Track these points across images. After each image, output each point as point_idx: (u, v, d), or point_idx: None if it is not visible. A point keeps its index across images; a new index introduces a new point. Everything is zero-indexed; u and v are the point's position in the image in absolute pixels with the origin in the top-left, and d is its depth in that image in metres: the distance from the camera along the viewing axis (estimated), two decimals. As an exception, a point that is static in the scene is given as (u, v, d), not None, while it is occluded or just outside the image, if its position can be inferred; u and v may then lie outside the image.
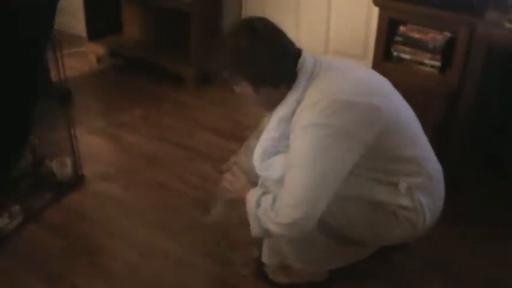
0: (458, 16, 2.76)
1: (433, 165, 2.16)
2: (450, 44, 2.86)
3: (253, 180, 2.24)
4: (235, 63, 2.03)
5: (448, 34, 2.88)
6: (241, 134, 3.25)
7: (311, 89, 2.00)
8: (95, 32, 4.56)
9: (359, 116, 1.94)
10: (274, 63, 2.00)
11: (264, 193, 2.09)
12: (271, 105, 2.11)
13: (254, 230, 2.15)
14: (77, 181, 3.05)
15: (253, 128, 2.48)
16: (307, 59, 2.04)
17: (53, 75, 3.19)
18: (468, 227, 2.78)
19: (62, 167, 3.04)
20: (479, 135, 2.96)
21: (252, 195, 2.12)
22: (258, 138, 2.22)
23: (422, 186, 2.08)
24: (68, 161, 3.05)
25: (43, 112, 2.84)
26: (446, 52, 2.88)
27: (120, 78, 4.41)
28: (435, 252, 2.63)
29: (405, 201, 2.05)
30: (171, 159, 3.34)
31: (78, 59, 4.55)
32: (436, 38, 2.88)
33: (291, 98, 2.02)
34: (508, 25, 2.71)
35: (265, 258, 2.41)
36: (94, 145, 3.45)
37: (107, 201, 2.95)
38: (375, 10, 3.11)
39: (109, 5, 4.61)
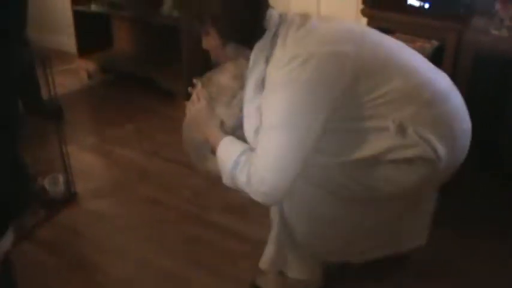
0: (446, 24, 2.78)
1: (433, 89, 2.00)
2: (438, 52, 2.88)
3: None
4: (206, 7, 1.98)
5: (435, 42, 2.90)
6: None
7: (277, 48, 1.95)
8: (85, 49, 4.57)
9: (325, 66, 1.87)
10: (246, 19, 1.97)
11: (244, 153, 1.99)
12: None
13: (226, 181, 2.05)
14: (70, 198, 3.05)
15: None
16: (272, 16, 2.00)
17: (44, 93, 3.18)
18: (467, 227, 2.78)
19: (54, 184, 3.03)
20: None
21: (228, 149, 2.05)
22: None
23: (417, 116, 1.94)
24: (61, 178, 3.05)
25: (34, 129, 2.85)
26: (435, 60, 2.89)
27: (111, 94, 4.42)
28: (434, 252, 2.61)
29: (403, 141, 1.92)
30: (163, 174, 3.33)
31: (69, 75, 4.56)
32: (424, 46, 2.90)
33: (259, 60, 1.98)
34: (494, 32, 2.73)
35: (265, 265, 2.40)
36: (86, 161, 3.45)
37: (100, 217, 2.95)
38: (363, 21, 3.13)
39: (98, 21, 4.62)
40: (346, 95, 1.89)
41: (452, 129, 1.99)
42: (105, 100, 4.34)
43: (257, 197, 1.94)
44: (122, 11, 4.40)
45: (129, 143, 3.67)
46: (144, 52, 4.61)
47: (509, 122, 3.00)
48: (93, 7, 4.39)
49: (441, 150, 1.93)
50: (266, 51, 1.97)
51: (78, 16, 4.46)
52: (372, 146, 1.93)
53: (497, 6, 2.81)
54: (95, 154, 3.57)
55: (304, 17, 2.00)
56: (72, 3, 4.41)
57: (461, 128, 2.03)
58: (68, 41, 4.77)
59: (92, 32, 4.60)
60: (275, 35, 1.97)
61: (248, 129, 2.04)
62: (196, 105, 2.23)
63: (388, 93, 1.92)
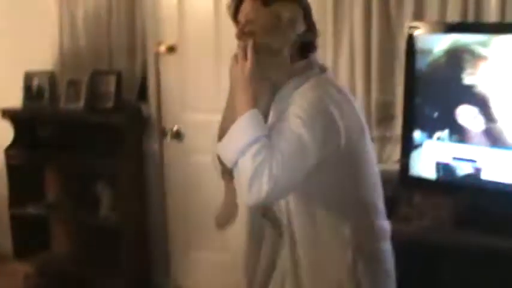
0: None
1: (381, 224, 2.08)
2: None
3: None
4: None
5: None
6: None
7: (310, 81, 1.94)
8: (21, 251, 4.52)
9: (345, 118, 1.88)
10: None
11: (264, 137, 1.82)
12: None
13: (227, 158, 1.87)
14: None
15: None
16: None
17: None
18: None
19: None
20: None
21: (251, 123, 1.85)
22: None
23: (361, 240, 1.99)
24: None
25: None
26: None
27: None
28: None
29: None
30: None
31: (4, 279, 4.47)
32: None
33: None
34: (416, 221, 2.85)
35: None
36: None
37: None
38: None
39: (36, 222, 4.62)
40: (337, 161, 1.90)
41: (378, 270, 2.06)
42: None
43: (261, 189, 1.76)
44: (59, 212, 4.46)
45: None
46: (83, 253, 4.58)
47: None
48: (30, 209, 4.42)
49: None
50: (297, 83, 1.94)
51: (14, 218, 4.47)
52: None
53: (418, 197, 2.98)
54: None
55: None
56: (9, 205, 4.44)
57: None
58: (3, 242, 4.72)
59: (28, 234, 4.58)
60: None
61: None
62: (242, 64, 1.92)
63: (363, 193, 2.01)
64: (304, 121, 1.82)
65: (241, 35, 1.93)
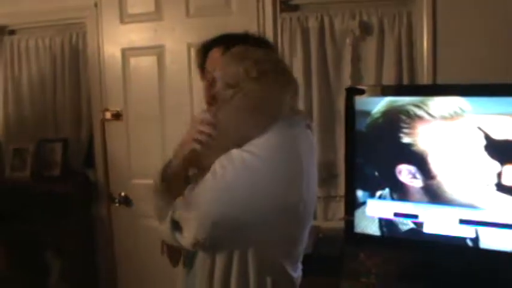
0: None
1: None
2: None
3: None
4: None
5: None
6: None
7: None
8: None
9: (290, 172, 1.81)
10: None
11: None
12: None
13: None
14: None
15: None
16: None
17: None
18: None
19: None
20: None
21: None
22: None
23: None
24: None
25: None
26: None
27: None
28: None
29: None
30: None
31: None
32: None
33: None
34: (363, 279, 2.92)
35: None
36: None
37: None
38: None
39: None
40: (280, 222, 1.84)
41: None
42: None
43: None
44: (6, 284, 4.36)
45: None
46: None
47: None
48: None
49: None
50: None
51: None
52: None
53: (364, 254, 3.05)
54: None
55: None
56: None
57: None
58: None
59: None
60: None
61: None
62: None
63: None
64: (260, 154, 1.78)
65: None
